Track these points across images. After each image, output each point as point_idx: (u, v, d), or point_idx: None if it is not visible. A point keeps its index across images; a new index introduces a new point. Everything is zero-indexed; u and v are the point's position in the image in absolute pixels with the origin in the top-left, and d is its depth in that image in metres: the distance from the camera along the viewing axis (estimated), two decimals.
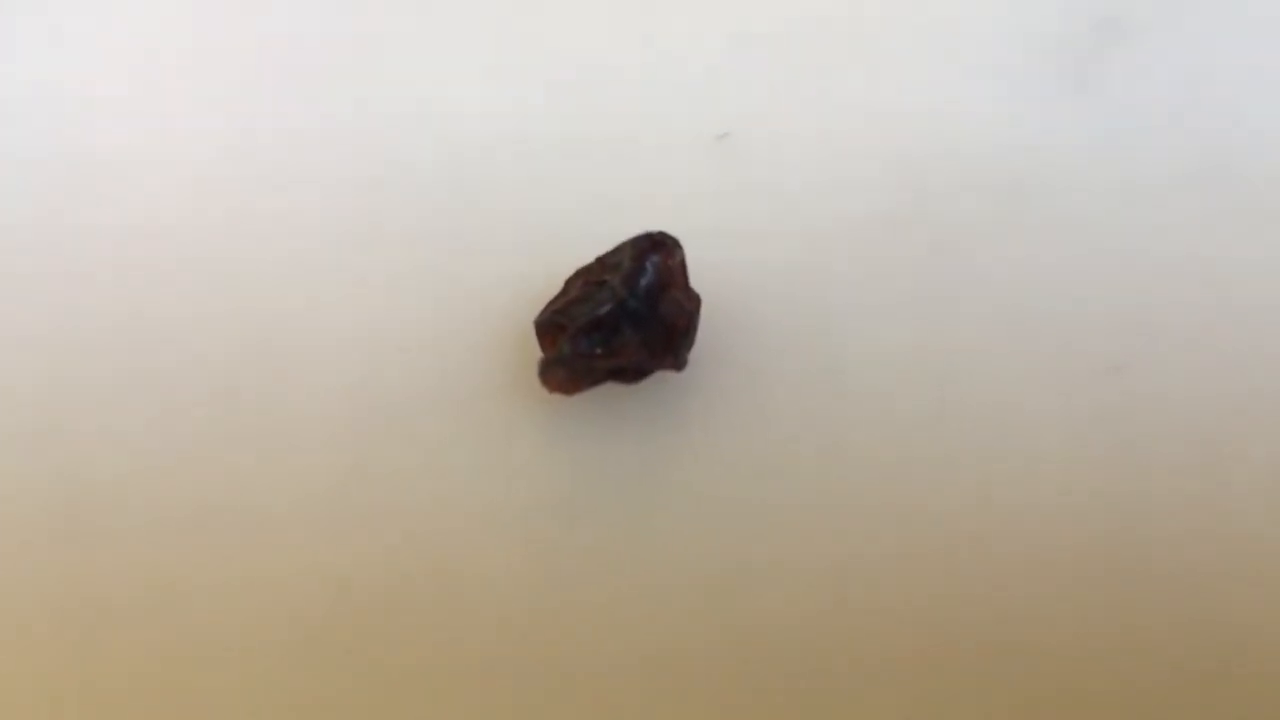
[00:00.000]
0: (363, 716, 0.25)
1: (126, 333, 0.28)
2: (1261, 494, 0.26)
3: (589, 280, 0.27)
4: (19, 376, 0.28)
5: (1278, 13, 0.33)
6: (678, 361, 0.26)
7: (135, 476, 0.27)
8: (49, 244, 0.29)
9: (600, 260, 0.27)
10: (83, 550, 0.26)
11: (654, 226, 0.27)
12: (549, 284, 0.27)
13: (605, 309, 0.26)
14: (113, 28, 0.33)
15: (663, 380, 0.27)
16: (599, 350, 0.26)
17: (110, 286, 0.29)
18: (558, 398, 0.26)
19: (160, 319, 0.28)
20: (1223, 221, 0.30)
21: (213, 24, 0.33)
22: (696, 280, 0.27)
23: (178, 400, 0.27)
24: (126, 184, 0.30)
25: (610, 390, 0.27)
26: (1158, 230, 0.29)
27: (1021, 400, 0.27)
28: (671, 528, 0.26)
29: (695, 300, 0.27)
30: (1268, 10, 0.33)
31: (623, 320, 0.26)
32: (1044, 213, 0.30)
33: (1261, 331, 0.28)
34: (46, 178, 0.30)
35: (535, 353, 0.26)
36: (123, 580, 0.26)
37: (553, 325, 0.26)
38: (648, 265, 0.26)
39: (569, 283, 0.27)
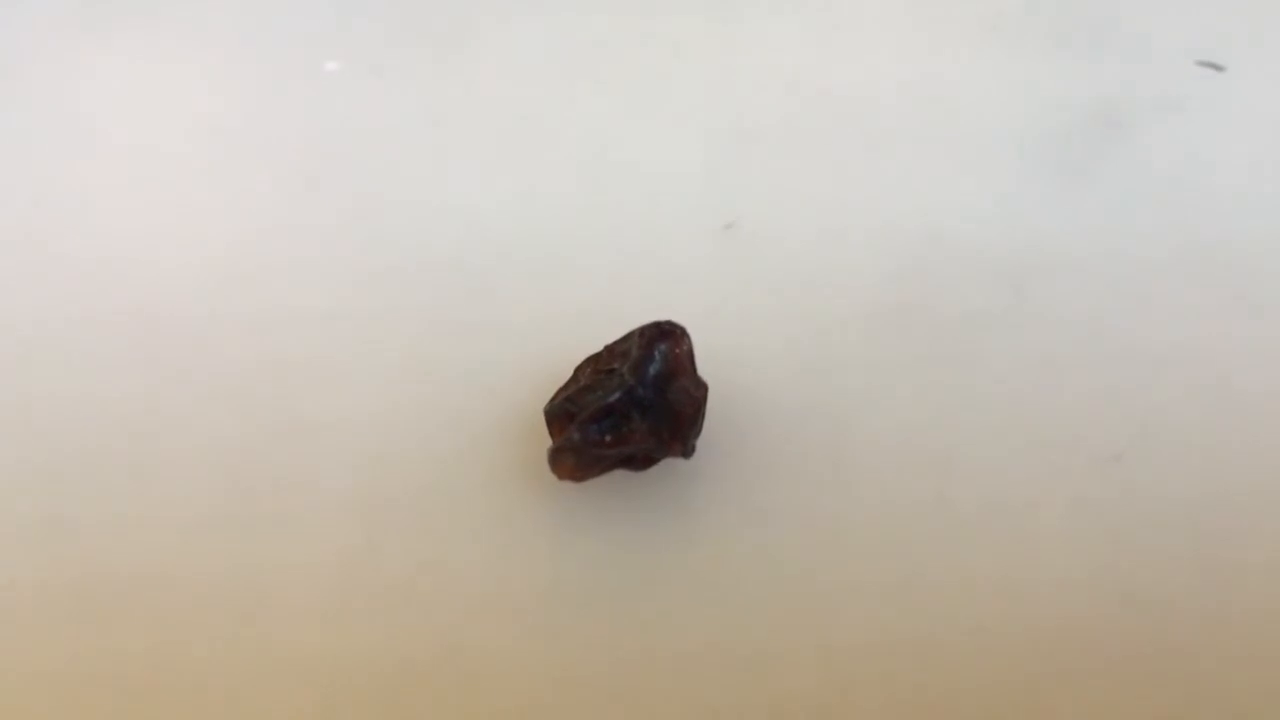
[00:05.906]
0: None
1: (141, 418, 0.29)
2: (1258, 580, 0.27)
3: (598, 368, 0.27)
4: (34, 459, 0.28)
5: (1264, 104, 0.34)
6: (685, 448, 0.27)
7: (149, 558, 0.27)
8: (67, 331, 0.30)
9: (609, 348, 0.27)
10: (96, 633, 0.26)
11: (662, 315, 0.27)
12: (559, 371, 0.28)
13: (614, 397, 0.26)
14: (134, 128, 0.34)
15: (671, 467, 0.27)
16: (608, 437, 0.26)
17: (126, 374, 0.29)
18: (567, 484, 0.26)
19: (176, 405, 0.29)
20: (1217, 309, 0.30)
21: (233, 126, 0.34)
22: (704, 368, 0.27)
23: (192, 484, 0.28)
24: (145, 275, 0.31)
25: (619, 477, 0.27)
26: (1154, 319, 0.30)
27: (1022, 487, 0.28)
28: (679, 612, 0.26)
29: (703, 388, 0.27)
30: (1253, 103, 0.34)
31: (631, 408, 0.26)
32: (1044, 302, 0.30)
33: (1257, 418, 0.29)
34: (64, 269, 0.31)
35: (545, 440, 0.27)
36: (136, 662, 0.26)
37: (562, 413, 0.27)
38: (656, 354, 0.27)
39: (578, 370, 0.28)
